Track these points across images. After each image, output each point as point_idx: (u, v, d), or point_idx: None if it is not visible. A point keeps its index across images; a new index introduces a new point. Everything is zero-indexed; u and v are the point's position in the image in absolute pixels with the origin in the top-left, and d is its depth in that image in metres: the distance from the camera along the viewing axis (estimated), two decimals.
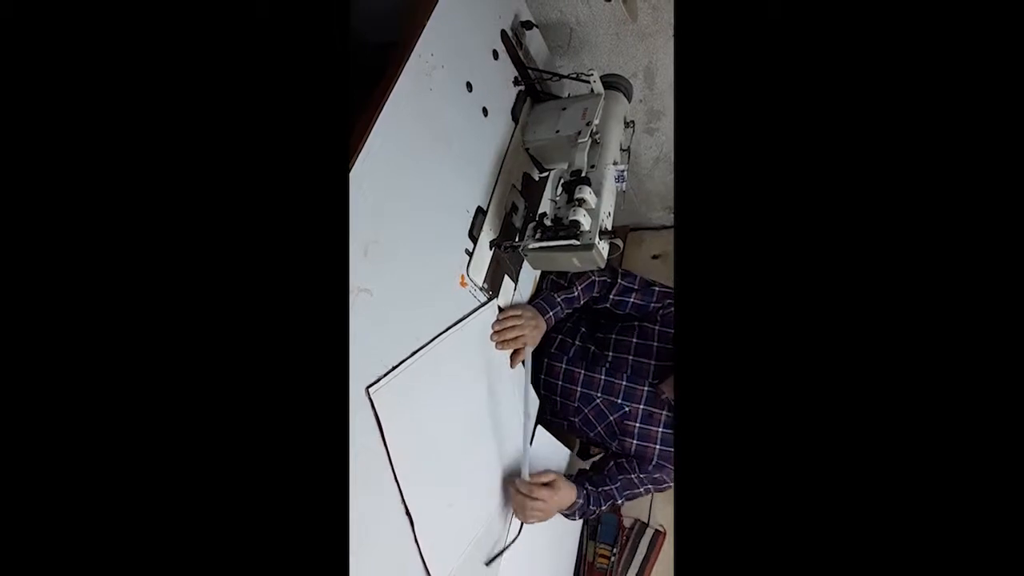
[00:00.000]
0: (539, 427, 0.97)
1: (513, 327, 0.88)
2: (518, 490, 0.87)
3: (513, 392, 0.90)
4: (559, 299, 0.95)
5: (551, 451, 1.02)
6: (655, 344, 0.95)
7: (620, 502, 1.01)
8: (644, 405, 0.95)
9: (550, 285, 1.01)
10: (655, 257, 1.54)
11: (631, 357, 0.96)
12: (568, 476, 0.96)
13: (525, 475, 0.88)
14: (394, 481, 0.66)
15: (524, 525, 0.91)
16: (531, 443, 0.92)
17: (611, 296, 0.99)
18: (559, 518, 0.99)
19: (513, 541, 0.91)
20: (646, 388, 0.95)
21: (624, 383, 0.96)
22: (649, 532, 1.29)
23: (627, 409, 0.95)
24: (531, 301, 0.97)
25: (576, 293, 0.97)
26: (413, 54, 0.71)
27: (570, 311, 0.98)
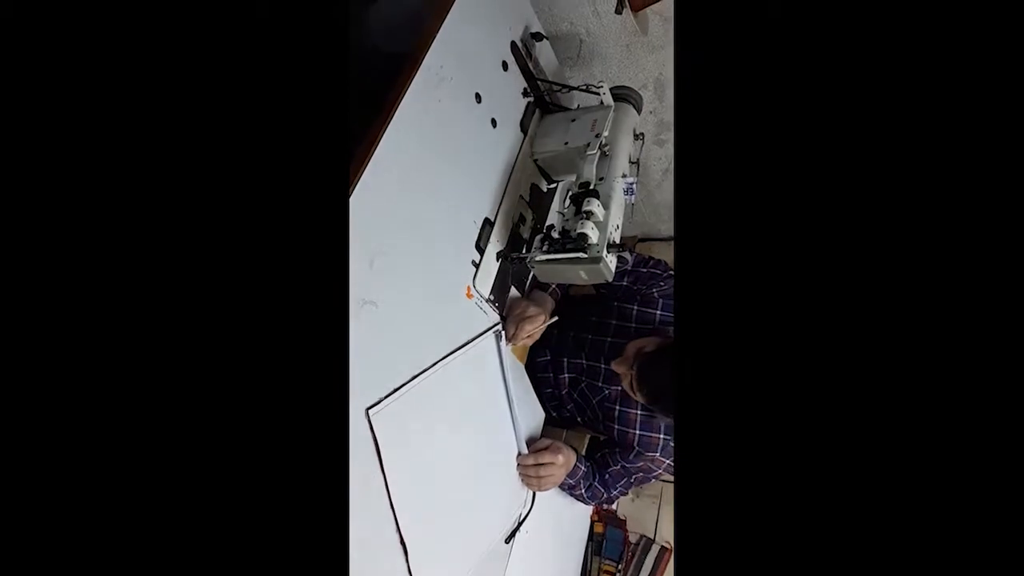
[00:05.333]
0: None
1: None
2: (525, 464, 0.88)
3: (519, 421, 0.89)
4: None
5: None
6: (633, 325, 0.96)
7: (621, 491, 1.01)
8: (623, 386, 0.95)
9: None
10: None
11: (609, 339, 0.97)
12: None
13: (523, 450, 0.89)
14: (390, 508, 0.64)
15: (536, 497, 0.93)
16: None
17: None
18: (559, 530, 0.98)
19: (527, 514, 0.92)
20: None
21: (603, 366, 0.96)
22: (655, 548, 1.27)
23: (607, 392, 0.95)
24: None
25: None
26: (423, 65, 0.71)
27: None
